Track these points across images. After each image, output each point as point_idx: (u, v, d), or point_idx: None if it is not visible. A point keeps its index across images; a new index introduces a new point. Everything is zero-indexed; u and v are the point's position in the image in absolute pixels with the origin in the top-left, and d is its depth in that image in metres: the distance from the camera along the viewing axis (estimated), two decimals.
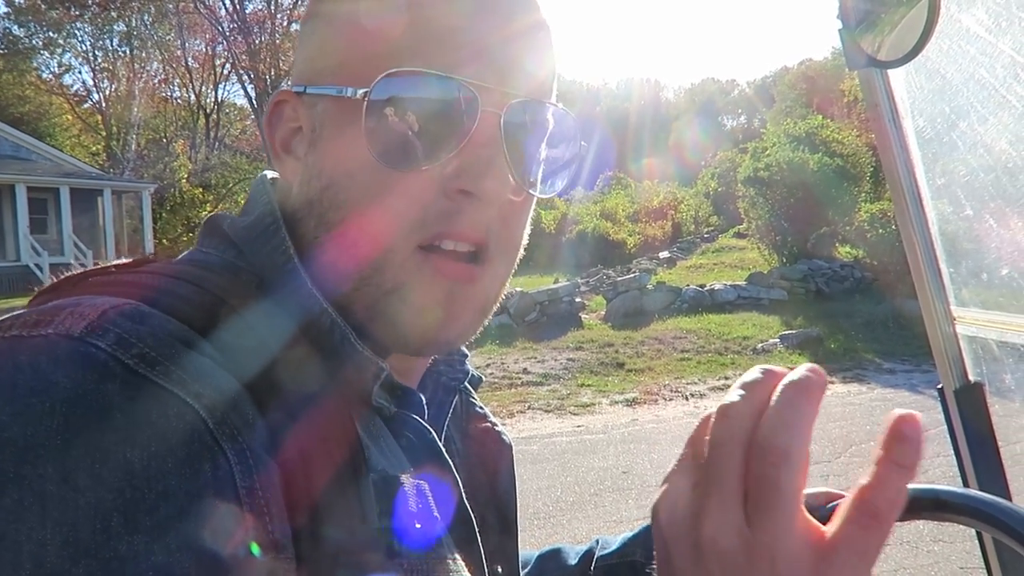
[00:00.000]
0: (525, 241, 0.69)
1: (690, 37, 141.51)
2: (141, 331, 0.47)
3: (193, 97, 42.34)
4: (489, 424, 0.79)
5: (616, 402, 9.34)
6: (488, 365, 10.75)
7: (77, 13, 37.32)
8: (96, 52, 39.53)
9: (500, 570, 0.73)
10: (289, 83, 0.69)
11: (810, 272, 15.33)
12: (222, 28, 40.09)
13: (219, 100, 42.80)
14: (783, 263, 16.37)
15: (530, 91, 0.63)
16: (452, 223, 0.61)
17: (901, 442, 0.41)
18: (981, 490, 0.85)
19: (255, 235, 0.64)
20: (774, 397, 0.44)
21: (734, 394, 0.46)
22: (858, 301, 14.33)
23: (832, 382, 9.72)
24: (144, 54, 40.15)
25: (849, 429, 7.26)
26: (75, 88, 42.15)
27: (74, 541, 0.39)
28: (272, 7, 38.35)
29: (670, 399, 9.46)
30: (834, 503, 0.71)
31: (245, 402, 0.49)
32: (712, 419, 0.47)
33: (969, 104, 0.97)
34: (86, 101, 41.57)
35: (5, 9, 36.72)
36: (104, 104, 39.65)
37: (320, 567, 0.49)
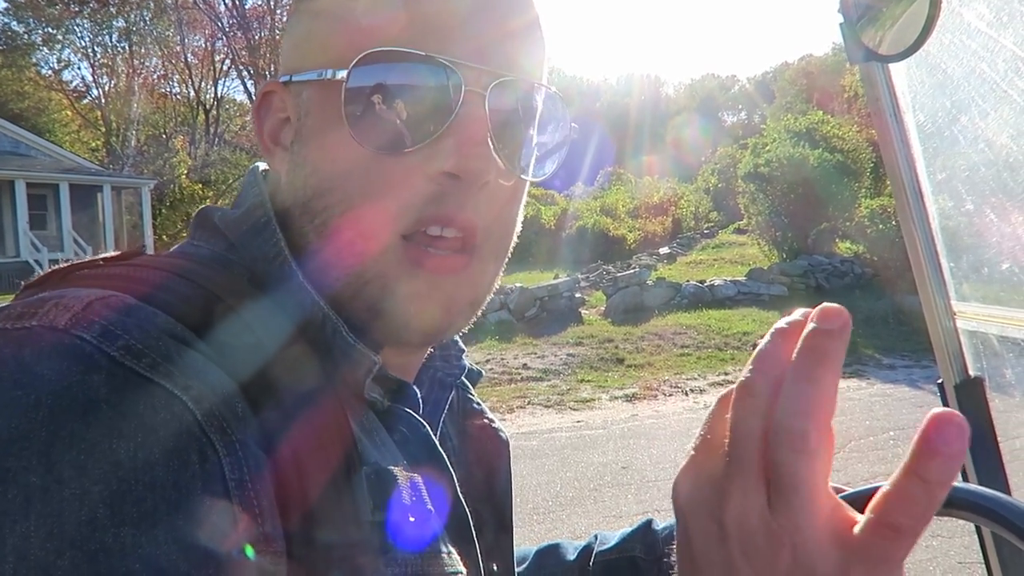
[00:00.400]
0: (518, 230, 0.68)
1: (690, 33, 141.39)
2: (127, 323, 0.47)
3: (193, 93, 42.32)
4: (486, 421, 0.79)
5: (616, 398, 9.35)
6: (488, 361, 10.75)
7: (76, 9, 37.29)
8: (95, 48, 39.49)
9: (495, 567, 0.72)
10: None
11: (810, 268, 15.33)
12: (221, 24, 40.10)
13: (219, 96, 42.77)
14: (783, 259, 16.37)
15: (517, 71, 0.61)
16: (438, 207, 0.59)
17: (932, 457, 0.36)
18: (980, 485, 0.85)
19: (245, 228, 0.63)
20: (789, 371, 0.40)
21: (749, 369, 0.42)
22: (858, 297, 14.32)
23: None
24: (143, 50, 40.08)
25: (848, 425, 7.26)
26: (74, 84, 42.10)
27: (59, 533, 0.39)
28: (271, 3, 38.34)
29: (670, 395, 9.46)
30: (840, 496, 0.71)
31: (234, 395, 0.48)
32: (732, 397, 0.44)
33: (970, 99, 0.96)
34: (85, 97, 41.52)
35: (4, 5, 36.69)
36: (103, 100, 39.58)
37: (313, 561, 0.48)
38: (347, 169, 0.60)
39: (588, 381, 10.03)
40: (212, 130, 41.43)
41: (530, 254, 18.50)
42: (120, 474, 0.41)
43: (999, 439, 1.02)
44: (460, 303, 0.64)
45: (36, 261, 22.76)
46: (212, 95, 42.59)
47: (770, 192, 16.64)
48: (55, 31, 37.73)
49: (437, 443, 0.63)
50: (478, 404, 0.80)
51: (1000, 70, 0.89)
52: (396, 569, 0.53)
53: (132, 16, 38.82)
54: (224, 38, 40.75)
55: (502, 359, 10.91)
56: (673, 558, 0.47)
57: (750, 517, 0.40)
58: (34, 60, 38.46)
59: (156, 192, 29.60)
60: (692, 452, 0.46)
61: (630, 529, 0.93)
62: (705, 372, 10.40)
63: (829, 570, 0.38)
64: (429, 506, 0.57)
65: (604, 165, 32.88)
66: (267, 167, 0.70)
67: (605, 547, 0.92)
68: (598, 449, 7.24)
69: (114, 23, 38.86)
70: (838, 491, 0.73)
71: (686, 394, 9.46)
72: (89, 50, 39.36)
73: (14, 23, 36.98)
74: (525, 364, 10.70)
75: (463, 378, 0.78)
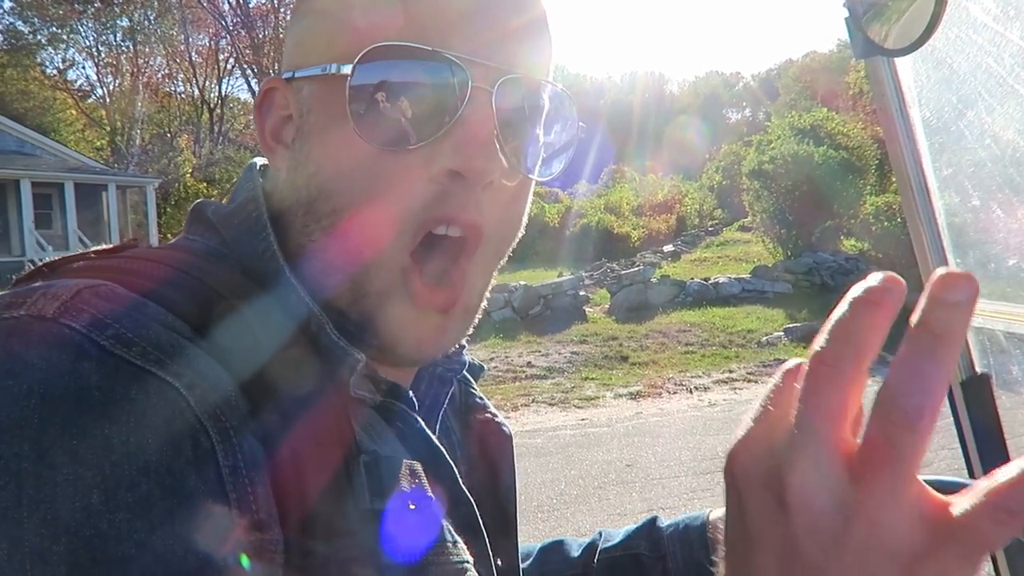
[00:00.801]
0: (522, 231, 0.68)
1: (694, 30, 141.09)
2: (117, 312, 0.47)
3: (197, 92, 42.39)
4: (489, 415, 0.78)
5: (620, 395, 9.34)
6: (492, 359, 10.76)
7: (80, 8, 37.35)
8: (100, 47, 39.57)
9: (499, 563, 0.72)
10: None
11: (815, 265, 15.30)
12: (225, 22, 40.16)
13: (223, 95, 42.84)
14: (788, 256, 16.34)
15: (524, 68, 0.61)
16: (441, 207, 0.59)
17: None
18: None
19: (237, 222, 0.63)
20: (903, 345, 0.37)
21: (824, 339, 0.38)
22: None
23: None
24: (148, 49, 40.16)
25: None
26: (79, 83, 42.23)
27: (54, 520, 0.39)
28: (275, 1, 38.36)
29: (674, 392, 9.45)
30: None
31: (227, 383, 0.48)
32: (800, 368, 0.41)
33: (976, 94, 0.96)
34: (90, 96, 41.64)
35: (10, 4, 36.80)
36: (108, 99, 39.66)
37: (311, 549, 0.48)
38: (350, 166, 0.59)
39: (592, 379, 10.03)
40: (216, 129, 41.50)
41: (534, 252, 18.50)
42: (113, 460, 0.41)
43: (1006, 436, 1.01)
44: (449, 324, 0.64)
45: (41, 260, 22.77)
46: (216, 94, 42.68)
47: (774, 189, 16.61)
48: (60, 30, 37.83)
49: (433, 437, 0.63)
50: (481, 399, 0.80)
51: (1007, 65, 0.89)
52: (398, 557, 0.52)
53: (136, 15, 38.90)
54: (228, 37, 40.84)
55: (506, 357, 10.92)
56: (673, 557, 0.46)
57: (819, 490, 0.37)
58: (39, 59, 38.60)
59: (161, 191, 29.65)
60: (751, 424, 0.43)
61: (635, 526, 0.92)
62: (709, 370, 10.39)
63: (914, 550, 0.36)
64: (430, 493, 0.56)
65: (608, 163, 32.86)
66: (266, 163, 0.69)
67: (609, 544, 0.91)
68: (602, 447, 7.24)
69: (118, 22, 38.95)
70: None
71: (690, 392, 9.45)
72: (93, 49, 39.48)
73: (19, 23, 37.12)
74: (529, 362, 10.71)
75: (465, 373, 0.78)
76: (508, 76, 0.59)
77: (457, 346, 0.75)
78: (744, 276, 15.25)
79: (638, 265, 15.91)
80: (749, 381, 9.75)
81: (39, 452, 0.40)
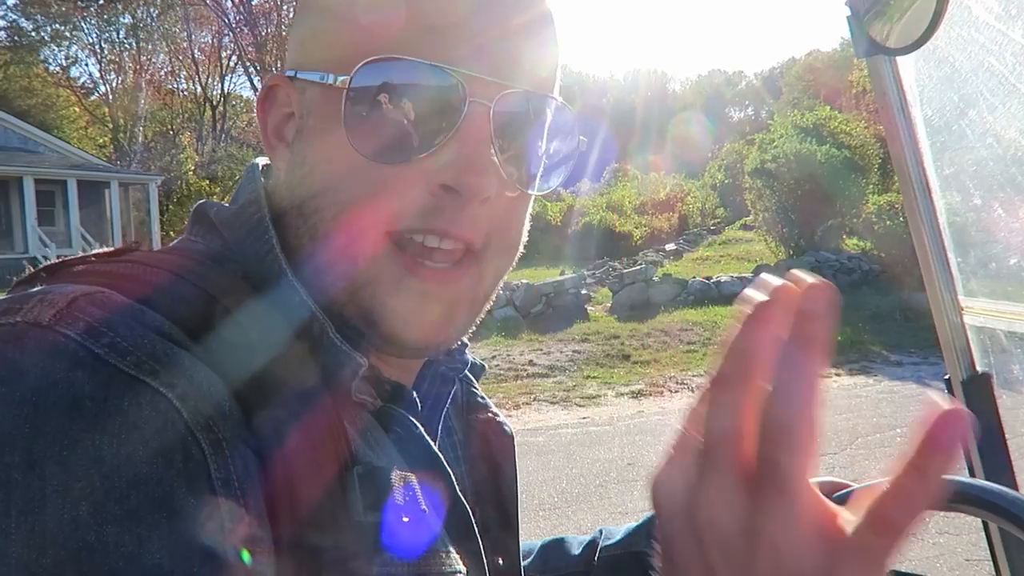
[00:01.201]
0: (524, 239, 0.67)
1: (697, 28, 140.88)
2: (112, 320, 0.46)
3: (199, 89, 42.38)
4: (491, 415, 0.78)
5: (621, 394, 9.34)
6: (494, 357, 10.76)
7: (83, 5, 37.36)
8: (102, 44, 39.57)
9: (500, 562, 0.72)
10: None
11: (817, 264, 15.29)
12: (228, 20, 40.14)
13: (225, 92, 42.83)
14: (790, 255, 16.32)
15: (525, 82, 0.60)
16: (433, 220, 0.58)
17: (936, 452, 0.34)
18: (988, 481, 0.85)
19: (239, 225, 0.62)
20: (778, 363, 0.37)
21: (721, 361, 0.39)
22: (865, 293, 14.27)
23: (838, 375, 9.71)
24: (150, 46, 40.15)
25: (855, 421, 7.24)
26: (82, 80, 42.28)
27: (41, 531, 0.38)
28: None
29: (676, 391, 9.45)
30: (841, 493, 0.70)
31: (222, 393, 0.47)
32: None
33: (978, 92, 0.96)
34: (93, 93, 41.68)
35: (12, 1, 36.81)
36: (111, 96, 39.67)
37: (303, 561, 0.48)
38: (343, 174, 0.59)
39: (594, 377, 10.03)
40: (219, 126, 41.51)
41: (536, 251, 18.48)
42: (103, 471, 0.40)
43: (1007, 435, 1.02)
44: (455, 314, 0.62)
45: (44, 257, 22.83)
46: (219, 91, 42.69)
47: (777, 188, 16.58)
48: (63, 28, 37.84)
49: (431, 443, 0.62)
50: (483, 398, 0.79)
51: (1009, 64, 0.89)
52: (391, 569, 0.52)
53: (139, 12, 38.91)
54: (231, 34, 40.82)
55: (508, 355, 10.92)
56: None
57: (725, 517, 0.38)
58: (42, 57, 38.64)
59: (163, 188, 29.66)
60: (669, 451, 0.44)
61: (635, 524, 0.92)
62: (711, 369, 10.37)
63: (815, 570, 0.36)
64: (424, 505, 0.56)
65: (610, 161, 32.83)
66: (267, 162, 0.69)
67: (610, 542, 0.92)
68: (604, 445, 7.24)
69: (121, 19, 38.97)
70: (843, 487, 0.73)
71: (692, 391, 9.44)
72: (96, 47, 39.50)
73: (22, 20, 37.15)
74: (531, 360, 10.70)
75: (467, 372, 0.77)
76: (508, 91, 0.58)
77: (459, 345, 0.75)
78: (746, 275, 15.22)
79: (640, 264, 15.90)
80: None
81: (30, 462, 0.40)
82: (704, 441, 0.39)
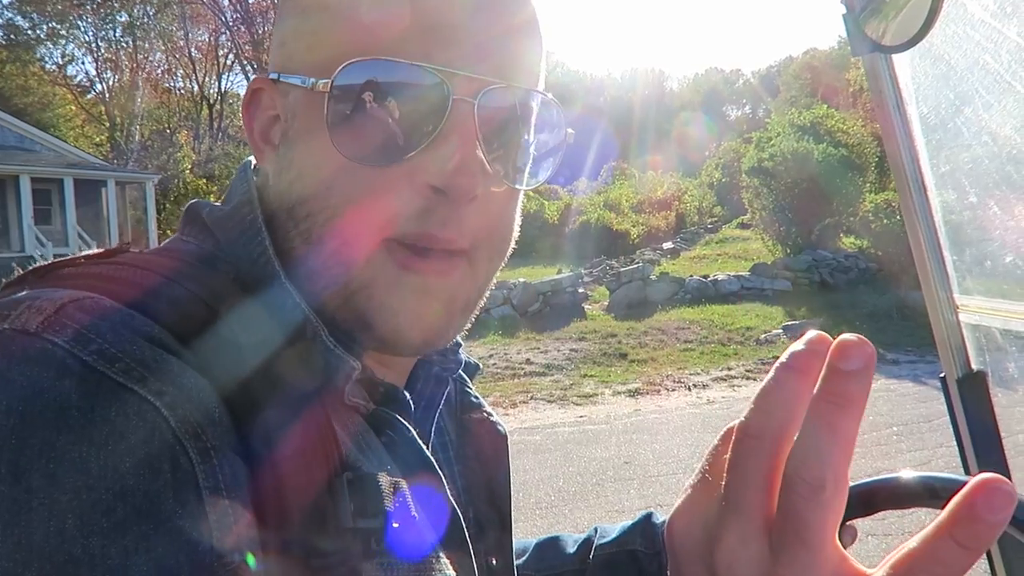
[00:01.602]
0: (516, 234, 0.66)
1: (694, 27, 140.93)
2: (101, 326, 0.45)
3: (196, 88, 42.38)
4: (484, 414, 0.78)
5: (619, 392, 9.35)
6: (491, 355, 10.77)
7: (79, 3, 37.30)
8: (99, 43, 39.53)
9: (494, 562, 0.72)
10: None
11: (814, 263, 15.31)
12: (225, 18, 40.13)
13: (222, 90, 42.81)
14: (787, 253, 16.35)
15: (508, 77, 0.59)
16: (425, 223, 0.57)
17: (973, 523, 0.32)
18: None
19: (232, 225, 0.62)
20: (808, 413, 0.36)
21: (751, 410, 0.39)
22: (862, 292, 14.31)
23: None
24: (147, 44, 40.13)
25: None
26: (78, 79, 42.19)
27: (27, 544, 0.38)
28: None
29: (673, 390, 9.46)
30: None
31: (212, 400, 0.47)
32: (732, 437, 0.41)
33: (974, 90, 0.96)
34: (89, 92, 41.62)
35: None
36: (107, 95, 39.63)
37: (292, 569, 0.47)
38: (330, 178, 0.58)
39: (591, 376, 10.04)
40: (216, 125, 41.49)
41: (533, 249, 18.50)
42: (90, 483, 0.40)
43: (1002, 434, 1.02)
44: (452, 310, 0.62)
45: (41, 256, 22.80)
46: (216, 90, 42.67)
47: (774, 187, 16.61)
48: (59, 26, 37.78)
49: (424, 447, 0.61)
50: (476, 398, 0.79)
51: (1004, 61, 0.89)
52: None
53: (136, 11, 38.86)
54: (228, 32, 40.82)
55: (505, 354, 10.92)
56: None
57: (745, 566, 0.38)
58: (38, 55, 38.56)
59: (160, 187, 29.61)
60: (688, 490, 0.43)
61: (630, 522, 0.92)
62: (708, 367, 10.39)
63: None
64: (414, 512, 0.55)
65: (607, 160, 32.84)
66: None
67: (605, 540, 0.91)
68: (601, 444, 7.25)
69: (118, 17, 38.91)
70: None
71: (689, 389, 9.46)
72: (93, 45, 39.45)
73: (18, 18, 37.08)
74: (528, 359, 10.71)
75: (461, 372, 0.77)
76: (491, 87, 0.58)
77: (453, 345, 0.75)
78: (743, 273, 15.25)
79: (637, 262, 15.91)
80: (748, 379, 9.76)
81: (15, 473, 0.39)
82: (729, 486, 0.39)
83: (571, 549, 0.93)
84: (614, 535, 0.91)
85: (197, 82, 42.27)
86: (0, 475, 0.39)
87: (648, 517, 0.92)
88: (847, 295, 14.28)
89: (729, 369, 10.23)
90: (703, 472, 0.43)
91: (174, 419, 0.44)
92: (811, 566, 0.36)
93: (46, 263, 0.57)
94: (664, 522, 0.90)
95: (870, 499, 0.60)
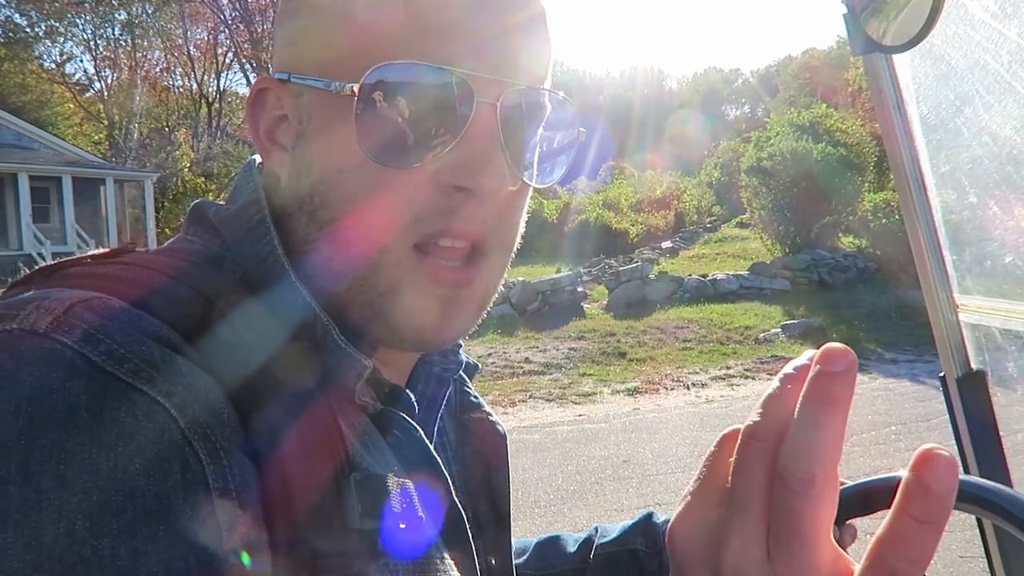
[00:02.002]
0: (522, 230, 0.67)
1: (693, 26, 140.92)
2: (110, 327, 0.46)
3: (195, 86, 42.27)
4: (484, 414, 0.78)
5: (617, 391, 9.35)
6: (490, 354, 10.76)
7: (78, 1, 37.23)
8: (97, 41, 39.45)
9: (493, 562, 0.72)
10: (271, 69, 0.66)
11: (813, 262, 15.31)
12: (224, 16, 40.05)
13: (221, 89, 42.73)
14: (786, 253, 16.35)
15: (527, 79, 0.61)
16: (449, 220, 0.59)
17: (924, 495, 0.34)
18: (982, 478, 0.85)
19: (239, 225, 0.62)
20: (795, 414, 0.38)
21: (757, 414, 0.40)
22: (861, 291, 14.31)
23: None
24: (146, 43, 40.05)
25: (851, 419, 7.10)
26: (77, 77, 42.08)
27: (37, 545, 0.38)
28: None
29: (672, 388, 9.47)
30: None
31: (220, 400, 0.47)
32: (738, 438, 0.42)
33: (974, 91, 0.96)
34: (88, 90, 41.52)
35: None
36: (106, 93, 39.55)
37: (299, 568, 0.47)
38: (356, 180, 0.58)
39: (590, 375, 10.04)
40: (215, 123, 41.41)
41: (532, 248, 18.49)
42: (100, 484, 0.40)
43: (1001, 433, 1.02)
44: (469, 311, 0.63)
45: (39, 254, 22.78)
46: (215, 88, 42.57)
47: (773, 186, 16.60)
48: (57, 24, 37.69)
49: (431, 447, 0.62)
50: (476, 397, 0.79)
51: (1004, 62, 0.89)
52: None
53: (134, 9, 38.77)
54: (227, 30, 40.73)
55: (504, 353, 10.92)
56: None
57: (749, 568, 0.38)
58: (36, 53, 38.47)
59: (159, 185, 29.57)
60: (689, 496, 0.44)
61: (631, 521, 0.92)
62: (707, 366, 10.40)
63: None
64: (420, 512, 0.55)
65: (607, 159, 32.81)
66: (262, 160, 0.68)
67: (606, 539, 0.91)
68: (600, 443, 7.25)
69: (116, 16, 38.83)
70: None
71: (688, 388, 9.46)
72: (91, 43, 39.36)
73: (16, 15, 36.99)
74: (527, 358, 10.71)
75: (461, 372, 0.77)
76: (512, 88, 0.59)
77: (454, 344, 0.75)
78: (742, 273, 15.25)
79: (636, 261, 15.91)
80: (746, 377, 9.76)
81: (26, 475, 0.39)
82: (734, 489, 0.40)
83: (572, 548, 0.93)
84: (615, 534, 0.92)
85: (196, 80, 42.19)
86: (10, 476, 0.39)
87: (649, 516, 0.92)
88: (846, 294, 14.29)
89: (728, 368, 10.23)
90: (702, 477, 0.44)
91: (183, 420, 0.44)
92: (806, 560, 0.37)
93: (52, 263, 0.57)
94: (665, 521, 0.90)
95: (869, 498, 0.60)
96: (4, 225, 23.86)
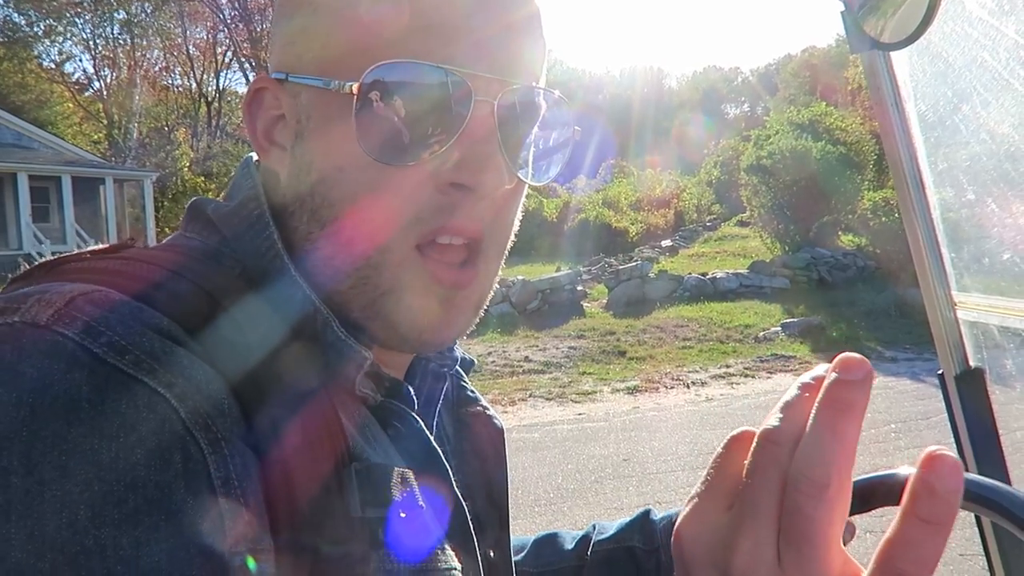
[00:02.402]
0: (516, 229, 0.68)
1: (693, 25, 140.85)
2: (111, 319, 0.46)
3: (194, 85, 42.28)
4: (480, 408, 0.79)
5: (617, 390, 9.36)
6: (489, 353, 10.77)
7: (77, 1, 37.20)
8: (97, 40, 39.44)
9: (492, 555, 0.72)
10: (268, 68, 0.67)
11: (813, 261, 15.31)
12: (223, 15, 40.06)
13: (220, 88, 42.73)
14: (786, 251, 16.34)
15: (524, 78, 0.61)
16: (448, 217, 0.59)
17: (930, 496, 0.35)
18: (981, 476, 0.85)
19: (238, 221, 0.62)
20: (810, 419, 0.39)
21: (775, 418, 0.40)
22: (860, 289, 14.31)
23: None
24: (145, 42, 40.02)
25: None
26: (76, 76, 42.11)
27: (40, 535, 0.38)
28: None
29: (671, 387, 9.47)
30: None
31: (221, 392, 0.47)
32: (747, 441, 0.42)
33: (972, 88, 0.96)
34: (87, 89, 41.52)
35: None
36: (105, 92, 39.54)
37: (302, 558, 0.48)
38: (356, 178, 0.59)
39: (590, 374, 10.04)
40: (214, 122, 41.42)
41: (532, 247, 18.50)
42: (101, 475, 0.40)
43: (1000, 430, 1.02)
44: (468, 311, 0.64)
45: (39, 254, 22.75)
46: (214, 87, 42.58)
47: (773, 185, 16.60)
48: (56, 23, 37.67)
49: (431, 438, 0.62)
50: (472, 392, 0.80)
51: (1002, 59, 0.89)
52: (389, 566, 0.52)
53: (133, 8, 38.76)
54: (226, 30, 40.75)
55: (504, 352, 10.92)
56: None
57: (759, 569, 0.39)
58: (36, 52, 38.44)
59: (158, 185, 29.55)
60: (696, 498, 0.44)
61: (628, 519, 0.92)
62: (707, 365, 10.40)
63: None
64: (421, 502, 0.56)
65: (606, 158, 32.78)
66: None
67: (603, 537, 0.92)
68: (599, 441, 7.25)
69: (115, 15, 38.80)
70: None
71: (688, 387, 9.46)
72: (91, 42, 39.36)
73: (15, 15, 36.97)
74: (527, 357, 10.71)
75: (456, 367, 0.78)
76: (509, 87, 0.60)
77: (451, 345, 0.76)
78: (742, 271, 15.25)
79: (636, 260, 15.91)
80: (746, 376, 9.77)
81: (28, 466, 0.40)
82: (747, 491, 0.40)
83: (569, 545, 0.93)
84: (612, 531, 0.92)
85: (195, 80, 42.20)
86: (12, 467, 0.39)
87: (646, 514, 0.92)
88: (845, 293, 14.29)
89: (727, 367, 10.23)
90: (709, 479, 0.44)
91: (184, 410, 0.44)
92: (816, 563, 0.37)
93: (53, 258, 0.57)
94: (663, 519, 0.91)
95: (868, 496, 0.60)
96: (4, 224, 23.85)
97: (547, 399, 9.00)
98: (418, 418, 0.62)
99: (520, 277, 13.36)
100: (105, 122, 38.74)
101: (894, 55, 0.94)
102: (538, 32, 0.64)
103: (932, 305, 1.02)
